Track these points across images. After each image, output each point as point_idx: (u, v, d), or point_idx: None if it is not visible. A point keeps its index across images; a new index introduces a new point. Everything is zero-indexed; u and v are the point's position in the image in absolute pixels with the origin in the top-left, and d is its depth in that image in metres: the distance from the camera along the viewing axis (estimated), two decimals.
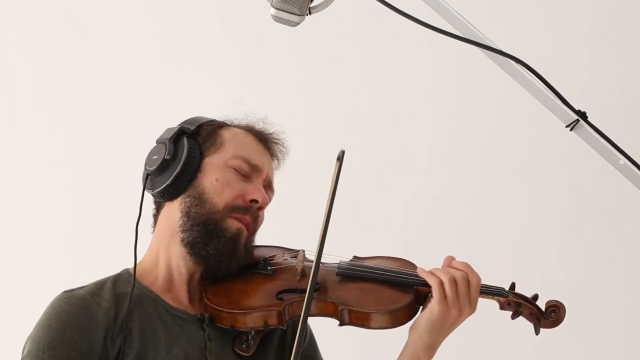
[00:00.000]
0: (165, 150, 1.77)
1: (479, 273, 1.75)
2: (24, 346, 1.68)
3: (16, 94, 2.99)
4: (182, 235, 1.78)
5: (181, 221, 1.77)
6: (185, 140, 1.78)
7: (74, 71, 2.97)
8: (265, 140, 1.85)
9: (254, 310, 1.72)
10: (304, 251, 1.86)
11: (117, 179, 2.89)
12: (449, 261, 1.79)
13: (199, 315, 1.77)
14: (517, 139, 2.91)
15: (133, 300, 1.71)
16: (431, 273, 1.74)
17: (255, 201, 1.78)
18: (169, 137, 1.79)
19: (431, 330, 1.73)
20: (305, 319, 1.55)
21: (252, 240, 1.82)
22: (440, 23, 1.59)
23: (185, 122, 1.85)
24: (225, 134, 1.82)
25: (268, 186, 1.83)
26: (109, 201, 2.91)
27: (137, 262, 1.78)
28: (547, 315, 1.78)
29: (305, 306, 1.55)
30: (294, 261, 1.83)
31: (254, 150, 1.82)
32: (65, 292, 1.73)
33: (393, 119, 2.94)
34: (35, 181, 2.96)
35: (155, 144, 1.82)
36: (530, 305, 1.78)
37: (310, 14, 1.61)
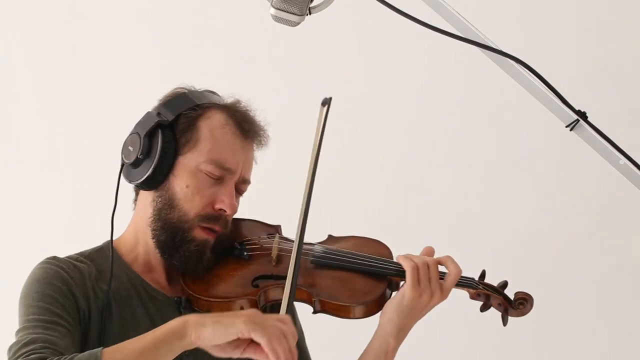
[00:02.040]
0: (140, 146, 1.77)
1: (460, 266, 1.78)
2: (19, 306, 1.72)
3: (15, 94, 2.99)
4: (151, 233, 1.80)
5: (152, 218, 1.80)
6: (160, 137, 1.76)
7: (71, 70, 2.97)
8: (246, 131, 1.82)
9: (230, 299, 1.75)
10: (278, 233, 1.88)
11: (113, 173, 2.89)
12: (428, 251, 1.82)
13: (175, 298, 1.80)
14: (517, 138, 2.90)
15: (114, 277, 1.74)
16: (406, 257, 1.77)
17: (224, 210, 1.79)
18: (145, 130, 1.77)
19: (401, 315, 1.76)
20: (290, 303, 1.57)
21: (221, 241, 1.81)
22: (440, 23, 1.59)
23: (167, 102, 1.82)
24: (203, 127, 1.79)
25: (242, 182, 1.82)
26: (112, 197, 2.91)
27: (119, 234, 1.83)
28: (515, 306, 1.81)
29: (288, 300, 1.57)
30: (270, 242, 1.85)
31: (230, 149, 1.80)
32: (48, 257, 1.77)
33: (393, 118, 2.94)
34: (35, 179, 2.95)
35: (132, 132, 1.81)
36: (498, 295, 1.82)
37: (310, 14, 1.61)
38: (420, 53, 2.91)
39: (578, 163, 2.81)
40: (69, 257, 1.80)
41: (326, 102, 1.74)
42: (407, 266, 1.75)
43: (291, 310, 1.90)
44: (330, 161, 2.67)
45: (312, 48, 2.90)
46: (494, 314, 1.84)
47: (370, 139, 2.94)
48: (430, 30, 1.58)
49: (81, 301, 1.70)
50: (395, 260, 1.81)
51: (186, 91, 1.85)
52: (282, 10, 1.60)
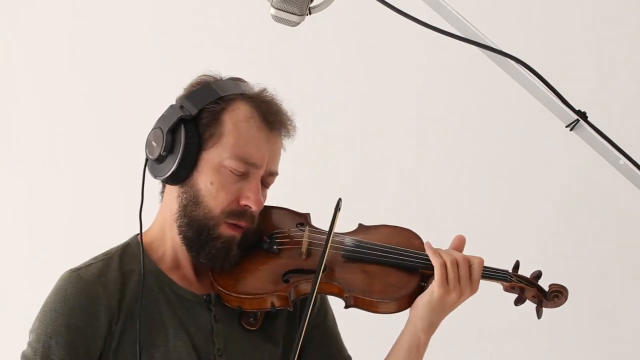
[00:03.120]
0: (163, 142, 1.73)
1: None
2: (32, 327, 1.70)
3: (15, 94, 2.99)
4: (178, 229, 1.78)
5: (178, 214, 1.77)
6: (182, 133, 1.72)
7: (72, 70, 2.97)
8: (272, 123, 1.78)
9: (261, 295, 1.74)
10: (307, 222, 1.87)
11: (114, 173, 2.89)
12: (458, 240, 1.80)
13: (205, 296, 1.78)
14: (517, 138, 2.90)
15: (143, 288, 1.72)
16: (435, 252, 1.74)
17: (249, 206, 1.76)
18: (168, 126, 1.73)
19: (431, 311, 1.74)
20: (309, 307, 1.58)
21: (248, 235, 1.79)
22: (440, 23, 1.59)
23: (190, 94, 1.78)
24: (227, 122, 1.75)
25: (269, 175, 1.79)
26: (112, 196, 2.91)
27: (145, 228, 1.80)
28: (550, 298, 1.81)
29: (310, 296, 1.58)
30: (300, 235, 1.83)
31: (254, 144, 1.76)
32: (71, 271, 1.74)
33: (392, 118, 2.94)
34: (35, 179, 2.95)
35: (155, 126, 1.77)
36: (532, 287, 1.81)
37: (310, 14, 1.61)
38: (420, 53, 2.91)
39: (578, 163, 2.81)
40: (90, 263, 1.76)
41: (337, 206, 1.73)
42: (435, 264, 1.72)
43: (322, 300, 1.92)
44: (327, 155, 2.69)
45: (312, 48, 2.90)
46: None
47: (369, 139, 2.94)
48: (430, 30, 1.58)
49: (103, 322, 1.69)
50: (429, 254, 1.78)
51: (211, 81, 1.80)
52: (282, 10, 1.59)
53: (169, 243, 1.80)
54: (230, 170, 1.74)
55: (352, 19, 2.89)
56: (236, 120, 1.75)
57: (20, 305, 2.83)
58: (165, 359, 1.70)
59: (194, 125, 1.74)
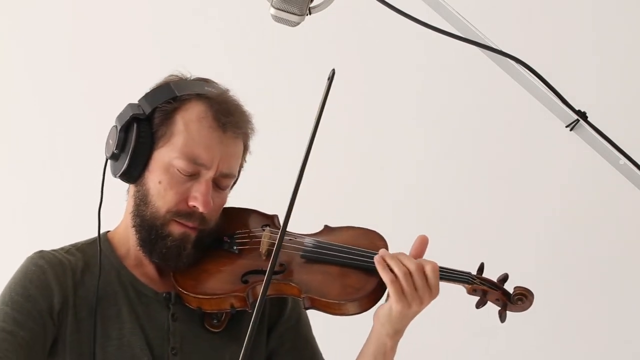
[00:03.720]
0: (116, 140, 1.74)
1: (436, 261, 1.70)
2: None
3: (15, 94, 2.99)
4: (133, 228, 1.78)
5: (132, 213, 1.78)
6: (134, 132, 1.72)
7: (71, 70, 2.97)
8: (224, 124, 1.74)
9: (219, 296, 1.73)
10: (273, 223, 1.84)
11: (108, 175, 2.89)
12: (420, 243, 1.73)
13: (164, 295, 1.77)
14: (517, 138, 2.90)
15: (101, 275, 1.73)
16: (385, 268, 1.67)
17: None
18: (122, 123, 1.74)
19: (394, 321, 1.69)
20: (261, 304, 1.51)
21: (205, 236, 1.77)
22: (440, 23, 1.59)
23: (149, 93, 1.78)
24: (179, 120, 1.73)
25: (223, 176, 1.75)
26: (112, 196, 2.91)
27: (113, 228, 1.83)
28: (514, 302, 1.74)
29: (262, 291, 1.53)
30: (261, 234, 1.80)
31: (204, 144, 1.72)
32: (37, 251, 1.77)
33: (392, 118, 2.94)
34: (35, 179, 2.96)
35: (113, 125, 1.78)
36: (496, 290, 1.74)
37: (310, 14, 1.61)
38: (420, 53, 2.91)
39: (578, 163, 2.81)
40: (57, 250, 1.79)
41: (330, 77, 1.70)
42: (386, 280, 1.65)
43: (295, 303, 1.87)
44: (328, 156, 2.69)
45: (312, 48, 2.90)
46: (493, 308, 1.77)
47: (369, 139, 2.94)
48: (430, 30, 1.58)
49: (57, 299, 1.70)
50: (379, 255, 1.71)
51: (173, 80, 1.79)
52: (282, 10, 1.59)
53: (131, 241, 1.80)
54: (178, 170, 1.72)
55: (352, 19, 2.89)
56: (187, 120, 1.74)
57: None
58: (119, 352, 1.70)
59: (147, 124, 1.74)
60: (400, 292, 1.65)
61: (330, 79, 1.69)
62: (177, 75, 1.82)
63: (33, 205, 2.94)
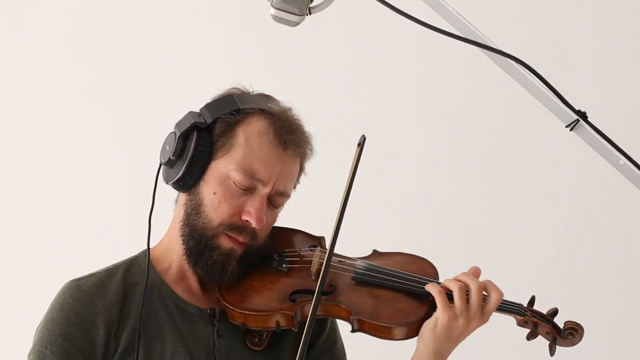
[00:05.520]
0: (173, 147, 1.70)
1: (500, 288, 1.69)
2: (33, 339, 1.70)
3: (15, 94, 2.99)
4: (181, 238, 1.76)
5: (182, 222, 1.75)
6: (194, 140, 1.70)
7: (72, 70, 2.97)
8: (285, 142, 1.72)
9: (266, 313, 1.71)
10: (321, 245, 1.83)
11: (114, 173, 2.90)
12: (473, 272, 1.73)
13: (209, 311, 1.75)
14: (517, 138, 2.91)
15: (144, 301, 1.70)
16: (434, 286, 1.69)
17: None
18: (181, 130, 1.71)
19: (436, 338, 1.67)
20: (310, 324, 1.53)
21: (252, 253, 1.75)
22: (440, 23, 1.59)
23: (211, 103, 1.75)
24: (240, 133, 1.71)
25: (278, 194, 1.74)
26: (112, 196, 2.92)
27: (156, 243, 1.78)
28: (564, 336, 1.74)
29: (312, 311, 1.54)
30: (311, 255, 1.79)
31: (264, 160, 1.70)
32: (72, 281, 1.73)
33: (391, 118, 2.94)
34: (35, 179, 2.96)
35: (172, 131, 1.75)
36: (547, 324, 1.75)
37: (310, 14, 1.61)
38: (420, 53, 2.91)
39: (578, 163, 2.81)
40: (93, 275, 1.74)
41: (360, 143, 1.69)
42: (434, 292, 1.67)
43: (332, 326, 1.88)
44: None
45: (312, 48, 2.90)
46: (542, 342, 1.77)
47: (368, 139, 2.94)
48: (430, 30, 1.58)
49: (100, 332, 1.67)
50: (441, 281, 1.73)
51: (235, 93, 1.77)
52: (282, 10, 1.59)
53: (176, 254, 1.77)
54: (234, 183, 1.70)
55: (352, 19, 2.89)
56: (249, 134, 1.71)
57: (20, 304, 2.84)
58: None
59: (207, 133, 1.71)
60: (447, 303, 1.65)
61: (361, 145, 1.69)
62: (239, 89, 1.80)
63: (33, 205, 2.94)
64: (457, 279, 1.70)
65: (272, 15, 1.61)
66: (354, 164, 1.67)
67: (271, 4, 1.59)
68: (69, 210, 2.93)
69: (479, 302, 1.66)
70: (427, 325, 1.68)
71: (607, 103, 2.83)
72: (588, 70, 2.89)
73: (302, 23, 1.61)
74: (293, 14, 1.60)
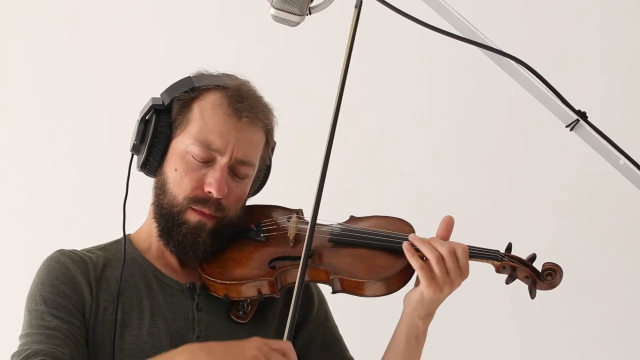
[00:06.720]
0: (135, 132, 1.77)
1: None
2: (25, 307, 1.73)
3: (15, 94, 2.99)
4: (154, 220, 1.80)
5: (153, 205, 1.80)
6: (152, 122, 1.76)
7: (72, 70, 2.97)
8: (239, 111, 1.76)
9: (247, 281, 1.73)
10: (297, 215, 1.85)
11: (114, 172, 2.89)
12: (446, 223, 1.75)
13: (188, 285, 1.78)
14: (517, 138, 2.90)
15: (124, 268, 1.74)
16: (414, 255, 1.69)
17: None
18: (141, 115, 1.77)
19: (425, 305, 1.71)
20: (300, 289, 1.54)
21: (224, 226, 1.77)
22: (440, 23, 1.59)
23: (170, 86, 1.80)
24: (195, 109, 1.76)
25: (239, 163, 1.76)
26: (112, 196, 2.91)
27: (138, 229, 1.84)
28: (543, 278, 1.75)
29: (300, 276, 1.54)
30: (287, 223, 1.82)
31: (218, 130, 1.74)
32: (56, 251, 1.78)
33: (391, 118, 2.94)
34: (35, 179, 2.95)
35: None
36: (525, 267, 1.76)
37: (310, 14, 1.62)
38: (420, 53, 2.91)
39: (578, 163, 2.81)
40: (76, 251, 1.79)
41: (357, 5, 1.70)
42: (416, 266, 1.68)
43: (320, 300, 1.90)
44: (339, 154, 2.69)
45: (312, 48, 2.90)
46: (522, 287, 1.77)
47: (368, 139, 2.94)
48: (430, 30, 1.58)
49: (86, 292, 1.70)
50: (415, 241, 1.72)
51: (193, 75, 1.82)
52: (282, 10, 1.60)
53: (153, 236, 1.81)
54: (193, 157, 1.74)
55: (352, 19, 2.88)
56: (203, 108, 1.76)
57: (20, 304, 2.83)
58: (136, 341, 1.69)
59: (166, 114, 1.77)
60: (431, 277, 1.67)
61: (359, 8, 1.70)
62: (199, 72, 1.84)
63: (33, 205, 2.94)
64: (432, 247, 1.69)
65: (272, 15, 1.61)
66: (353, 28, 1.69)
67: (271, 4, 1.59)
68: (69, 211, 2.92)
69: (455, 264, 1.67)
70: (413, 296, 1.71)
71: (607, 103, 2.82)
72: (588, 71, 2.88)
73: (302, 23, 1.61)
74: (293, 14, 1.60)
